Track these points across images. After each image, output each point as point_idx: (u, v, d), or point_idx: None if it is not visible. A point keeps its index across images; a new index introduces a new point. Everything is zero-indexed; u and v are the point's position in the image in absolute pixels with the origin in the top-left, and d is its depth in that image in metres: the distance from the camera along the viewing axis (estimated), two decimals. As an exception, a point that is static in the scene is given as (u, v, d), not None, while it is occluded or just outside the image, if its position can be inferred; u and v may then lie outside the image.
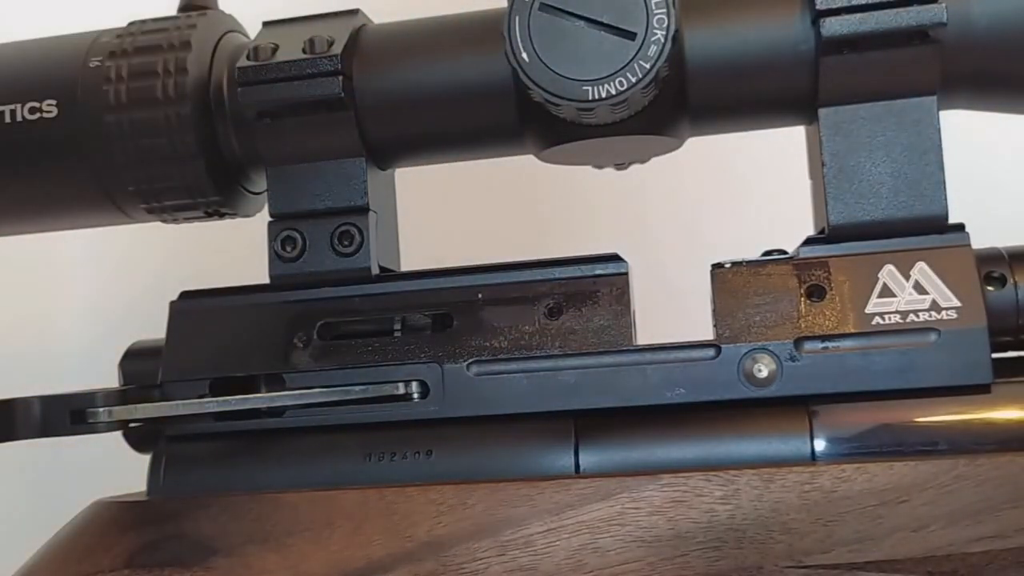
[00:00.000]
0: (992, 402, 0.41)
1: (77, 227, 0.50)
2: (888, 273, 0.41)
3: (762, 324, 0.42)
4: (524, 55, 0.40)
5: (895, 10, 0.40)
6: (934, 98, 0.42)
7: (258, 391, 0.46)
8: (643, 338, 0.43)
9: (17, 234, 0.50)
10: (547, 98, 0.40)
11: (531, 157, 0.46)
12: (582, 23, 0.40)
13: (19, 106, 0.46)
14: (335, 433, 0.45)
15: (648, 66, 0.39)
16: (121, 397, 0.46)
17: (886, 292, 0.41)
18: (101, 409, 0.45)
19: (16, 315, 0.85)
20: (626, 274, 0.44)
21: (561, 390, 0.43)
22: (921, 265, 0.41)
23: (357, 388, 0.44)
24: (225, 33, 0.48)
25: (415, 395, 0.44)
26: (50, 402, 0.45)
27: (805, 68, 0.42)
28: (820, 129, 0.42)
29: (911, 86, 0.42)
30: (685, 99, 0.43)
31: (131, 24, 0.47)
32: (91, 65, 0.46)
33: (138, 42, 0.46)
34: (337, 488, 0.43)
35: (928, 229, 0.42)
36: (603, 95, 0.39)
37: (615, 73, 0.39)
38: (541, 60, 0.40)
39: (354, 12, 0.46)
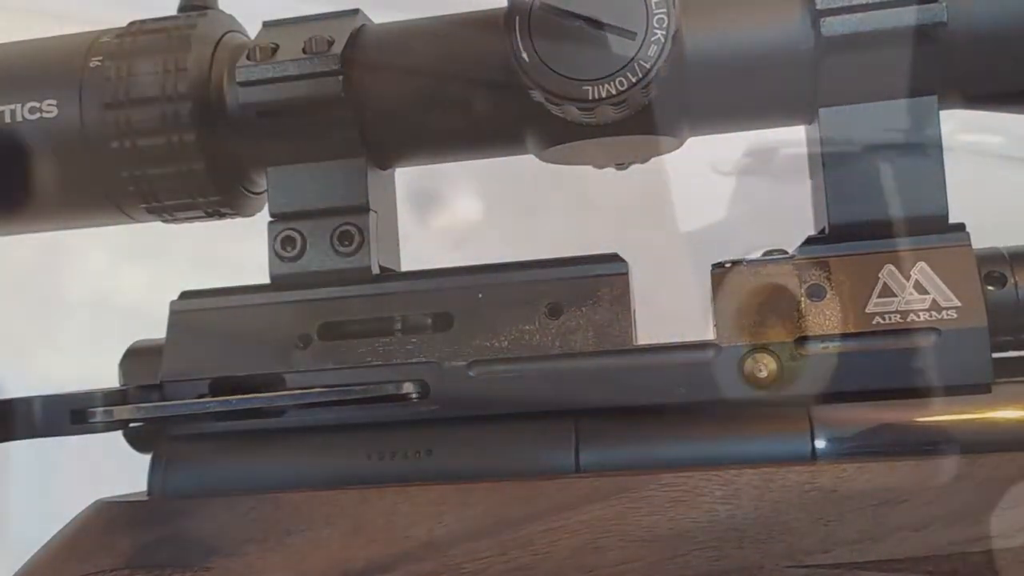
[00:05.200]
0: (992, 402, 0.41)
1: (77, 227, 0.50)
2: (888, 273, 0.41)
3: (762, 324, 0.42)
4: (524, 55, 0.40)
5: (895, 10, 0.40)
6: (934, 98, 0.42)
7: (258, 391, 0.46)
8: (643, 338, 0.43)
9: (17, 234, 0.50)
10: (547, 98, 0.40)
11: (531, 157, 0.46)
12: (582, 23, 0.40)
13: (19, 106, 0.46)
14: (335, 433, 0.44)
15: (648, 66, 0.39)
16: (121, 397, 0.46)
17: (886, 292, 0.41)
18: (101, 409, 0.45)
19: (16, 315, 0.85)
20: (626, 274, 0.44)
21: (561, 390, 0.43)
22: (921, 265, 0.41)
23: (357, 388, 0.44)
24: (225, 33, 0.48)
25: (415, 395, 0.44)
26: (50, 402, 0.45)
27: (805, 68, 0.42)
28: (820, 129, 0.42)
29: (911, 86, 0.42)
30: (685, 99, 0.43)
31: (131, 24, 0.47)
32: (91, 65, 0.46)
33: (138, 42, 0.46)
34: (337, 488, 0.43)
35: (928, 229, 0.42)
36: (603, 95, 0.39)
37: (615, 73, 0.39)
38: (541, 60, 0.40)
39: (354, 12, 0.46)
